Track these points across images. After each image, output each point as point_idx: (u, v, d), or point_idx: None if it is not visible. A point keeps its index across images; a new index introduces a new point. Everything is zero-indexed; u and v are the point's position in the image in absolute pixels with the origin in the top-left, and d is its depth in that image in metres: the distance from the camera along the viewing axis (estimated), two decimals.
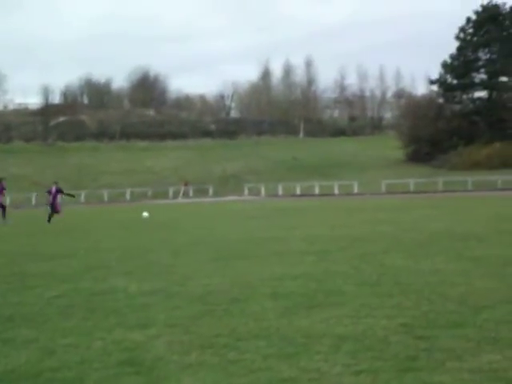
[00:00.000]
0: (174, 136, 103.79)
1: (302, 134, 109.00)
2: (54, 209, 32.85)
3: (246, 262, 13.26)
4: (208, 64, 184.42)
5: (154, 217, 32.95)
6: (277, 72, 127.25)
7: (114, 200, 70.89)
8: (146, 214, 33.25)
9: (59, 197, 33.66)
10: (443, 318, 7.40)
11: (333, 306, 8.35)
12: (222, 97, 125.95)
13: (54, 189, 33.20)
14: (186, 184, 76.29)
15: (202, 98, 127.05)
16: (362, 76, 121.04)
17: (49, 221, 31.71)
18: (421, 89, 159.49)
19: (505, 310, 7.68)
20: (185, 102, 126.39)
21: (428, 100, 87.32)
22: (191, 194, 75.76)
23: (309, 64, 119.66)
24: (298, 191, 68.66)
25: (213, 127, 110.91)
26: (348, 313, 7.90)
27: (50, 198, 33.06)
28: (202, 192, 74.72)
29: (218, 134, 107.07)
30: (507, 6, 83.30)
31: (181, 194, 75.08)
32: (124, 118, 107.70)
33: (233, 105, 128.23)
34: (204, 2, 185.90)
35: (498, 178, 62.17)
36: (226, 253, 15.02)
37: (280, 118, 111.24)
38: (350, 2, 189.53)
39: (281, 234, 19.56)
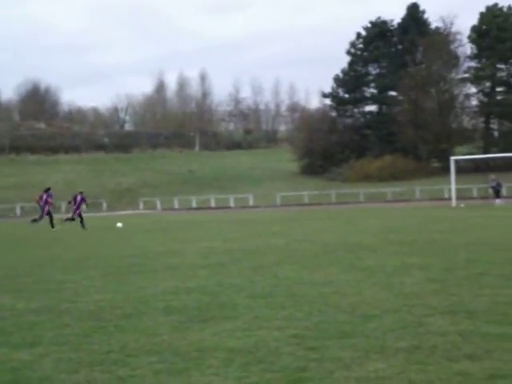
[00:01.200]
0: (67, 149, 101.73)
1: (197, 147, 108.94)
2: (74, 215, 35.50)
3: (140, 276, 13.11)
4: (103, 76, 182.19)
5: (43, 232, 32.17)
6: (172, 85, 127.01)
7: (3, 216, 68.76)
8: (119, 224, 33.73)
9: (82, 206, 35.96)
10: (334, 329, 7.51)
11: (226, 319, 8.35)
12: (115, 110, 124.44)
13: (79, 197, 35.71)
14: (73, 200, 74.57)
15: (95, 110, 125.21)
16: (257, 89, 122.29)
17: (82, 226, 34.02)
18: (314, 102, 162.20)
19: (391, 319, 7.87)
20: (77, 115, 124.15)
21: (321, 113, 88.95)
22: (85, 208, 74.16)
23: (203, 77, 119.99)
24: (194, 204, 68.57)
25: (106, 140, 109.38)
26: (241, 325, 7.91)
27: (74, 205, 35.44)
28: (95, 206, 73.44)
29: (111, 147, 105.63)
30: (395, 23, 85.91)
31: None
32: (13, 131, 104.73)
33: (127, 118, 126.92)
34: (99, 14, 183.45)
35: (388, 190, 63.92)
36: (119, 268, 14.80)
37: (175, 130, 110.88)
38: (245, 16, 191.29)
39: (175, 248, 19.45)
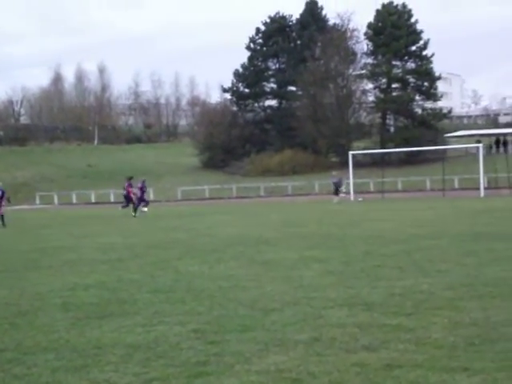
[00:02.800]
0: None
1: (96, 141, 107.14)
2: (142, 201, 36.86)
3: (37, 272, 12.81)
4: (1, 69, 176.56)
5: None
6: (69, 78, 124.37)
7: None
8: None
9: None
10: (234, 322, 7.54)
11: (126, 314, 8.26)
12: (10, 102, 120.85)
13: (140, 184, 37.25)
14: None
15: None
16: (157, 83, 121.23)
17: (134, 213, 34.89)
18: (215, 97, 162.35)
19: (291, 312, 7.96)
20: None
21: (222, 108, 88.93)
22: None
23: (102, 70, 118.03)
24: (93, 199, 67.45)
25: (1, 133, 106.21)
26: (141, 321, 7.84)
27: (139, 192, 36.76)
28: None
29: (6, 140, 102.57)
30: (293, 18, 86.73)
31: None
32: None
33: (22, 111, 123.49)
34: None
35: (289, 184, 64.58)
36: (14, 264, 14.42)
37: (73, 124, 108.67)
38: (146, 10, 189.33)
39: (73, 243, 19.10)
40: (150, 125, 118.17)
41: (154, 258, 14.29)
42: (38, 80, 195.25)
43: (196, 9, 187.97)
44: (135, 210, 35.43)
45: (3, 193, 31.48)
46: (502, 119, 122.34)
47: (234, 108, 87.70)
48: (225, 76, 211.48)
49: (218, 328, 7.30)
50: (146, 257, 14.74)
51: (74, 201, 68.01)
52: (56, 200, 68.86)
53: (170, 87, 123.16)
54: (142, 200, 36.91)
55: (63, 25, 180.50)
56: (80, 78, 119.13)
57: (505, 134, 71.38)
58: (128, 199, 37.67)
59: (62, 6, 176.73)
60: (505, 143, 71.01)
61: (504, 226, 18.80)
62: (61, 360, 6.26)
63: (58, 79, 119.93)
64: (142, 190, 37.36)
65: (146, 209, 36.13)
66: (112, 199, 66.24)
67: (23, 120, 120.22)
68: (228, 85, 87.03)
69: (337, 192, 44.13)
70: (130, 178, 39.03)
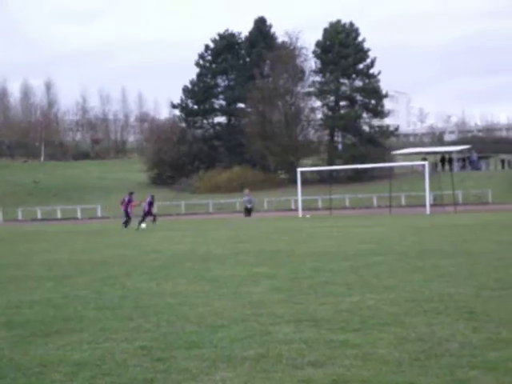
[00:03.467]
0: None
1: (42, 157, 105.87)
2: (150, 215, 37.67)
3: None
4: None
5: None
6: (15, 93, 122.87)
7: None
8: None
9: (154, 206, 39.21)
10: (181, 339, 7.50)
11: (71, 332, 8.15)
12: None
13: (149, 198, 38.25)
14: None
15: None
16: (105, 99, 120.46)
17: (151, 221, 36.84)
18: (164, 113, 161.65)
19: (239, 329, 7.96)
20: None
21: (170, 124, 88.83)
22: None
23: (49, 86, 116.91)
24: (40, 215, 66.59)
25: None
26: (87, 338, 7.75)
27: (146, 206, 37.59)
28: None
29: None
30: (242, 36, 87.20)
31: None
32: None
33: None
34: None
35: (237, 200, 64.66)
36: None
37: (19, 140, 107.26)
38: (94, 27, 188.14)
39: (18, 260, 18.79)
40: (97, 140, 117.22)
41: (100, 275, 14.14)
42: None
43: (145, 26, 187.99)
44: (139, 223, 35.97)
45: None
46: (448, 137, 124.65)
47: (183, 124, 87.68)
48: (174, 93, 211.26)
49: (165, 345, 7.25)
50: (93, 273, 14.59)
51: (20, 217, 67.02)
52: (1, 216, 67.77)
53: (118, 103, 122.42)
54: (148, 214, 37.55)
55: (8, 39, 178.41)
56: (26, 93, 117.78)
57: (450, 152, 72.65)
58: (127, 214, 39.03)
59: (6, 20, 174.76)
60: (450, 161, 72.26)
61: (449, 243, 19.09)
62: (4, 379, 6.14)
63: (3, 94, 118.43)
64: (150, 204, 38.00)
65: (144, 225, 35.91)
66: (59, 215, 65.47)
67: None
68: (177, 101, 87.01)
69: (249, 212, 43.66)
70: (131, 193, 40.39)
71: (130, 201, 39.46)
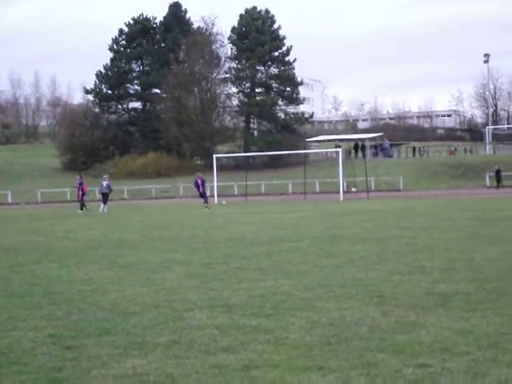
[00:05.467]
0: None
1: None
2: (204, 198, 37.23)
3: None
4: None
5: None
6: None
7: None
8: None
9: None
10: (93, 326, 7.40)
11: None
12: None
13: (199, 180, 37.43)
14: None
15: None
16: (16, 83, 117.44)
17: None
18: (77, 98, 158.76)
19: (152, 315, 7.91)
20: None
21: (84, 109, 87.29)
22: None
23: None
24: None
25: None
26: None
27: (201, 187, 37.18)
28: None
29: None
30: (157, 21, 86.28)
31: None
32: None
33: None
34: None
35: (153, 186, 64.20)
36: None
37: None
38: (6, 8, 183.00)
39: None
40: (8, 125, 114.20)
41: (9, 262, 13.81)
42: None
43: (59, 9, 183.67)
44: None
45: None
46: (361, 125, 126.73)
47: (97, 109, 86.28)
48: (87, 77, 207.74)
49: (75, 333, 7.14)
50: (2, 260, 14.25)
51: None
52: None
53: (29, 87, 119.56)
54: (203, 195, 37.56)
55: None
56: None
57: (363, 140, 73.83)
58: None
59: None
60: (363, 148, 73.42)
61: (361, 229, 19.43)
62: None
63: None
64: (201, 184, 37.56)
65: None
66: None
67: None
68: (90, 86, 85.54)
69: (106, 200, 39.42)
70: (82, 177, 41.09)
71: (81, 184, 39.97)
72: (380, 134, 72.82)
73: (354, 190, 42.93)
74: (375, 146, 77.96)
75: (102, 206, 38.12)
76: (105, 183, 39.10)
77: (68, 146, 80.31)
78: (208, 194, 40.23)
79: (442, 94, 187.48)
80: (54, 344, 6.68)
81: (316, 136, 74.93)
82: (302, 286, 9.69)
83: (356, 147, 74.68)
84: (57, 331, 7.22)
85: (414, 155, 79.05)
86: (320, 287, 9.48)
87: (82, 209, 38.78)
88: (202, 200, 37.68)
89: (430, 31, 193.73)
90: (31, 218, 34.08)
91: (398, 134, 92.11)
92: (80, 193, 40.01)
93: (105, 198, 38.51)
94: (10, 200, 63.83)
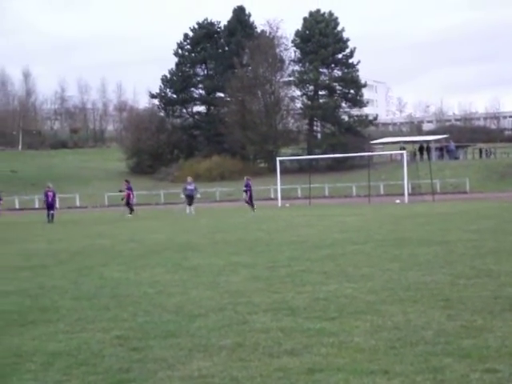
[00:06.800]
0: None
1: (20, 146, 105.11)
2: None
3: None
4: None
5: None
6: None
7: None
8: None
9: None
10: (158, 329, 7.49)
11: (47, 322, 8.12)
12: None
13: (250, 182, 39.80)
14: None
15: None
16: (83, 88, 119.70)
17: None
18: (143, 102, 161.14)
19: (216, 318, 7.96)
20: None
21: (149, 113, 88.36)
22: None
23: (27, 75, 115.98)
24: (17, 205, 66.10)
25: None
26: (63, 328, 7.72)
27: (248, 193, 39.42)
28: None
29: None
30: (222, 25, 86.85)
31: None
32: None
33: None
34: None
35: (217, 189, 64.60)
36: None
37: None
38: (75, 16, 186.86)
39: None
40: (76, 130, 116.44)
41: (78, 265, 14.09)
42: None
43: (126, 16, 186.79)
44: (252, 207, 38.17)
45: None
46: (426, 127, 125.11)
47: (162, 114, 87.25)
48: (153, 82, 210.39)
49: (141, 334, 7.24)
50: (70, 263, 14.53)
51: None
52: None
53: (97, 92, 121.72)
54: (250, 199, 39.11)
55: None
56: (3, 82, 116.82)
57: (428, 141, 72.96)
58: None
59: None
60: (428, 150, 72.53)
61: (426, 232, 19.18)
62: None
63: None
64: (248, 189, 39.40)
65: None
66: (37, 205, 65.03)
67: None
68: (156, 91, 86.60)
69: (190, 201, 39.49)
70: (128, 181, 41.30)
71: (130, 188, 40.10)
72: (446, 135, 71.88)
73: (397, 201, 42.56)
74: (441, 148, 76.89)
75: (188, 208, 38.73)
76: (189, 186, 39.72)
77: (134, 150, 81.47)
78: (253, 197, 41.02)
79: (510, 94, 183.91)
80: (120, 346, 6.79)
81: (380, 138, 74.37)
82: (366, 289, 9.62)
83: (421, 149, 73.80)
84: (123, 333, 7.34)
85: (480, 157, 77.65)
86: (384, 290, 9.40)
87: (131, 212, 38.93)
88: (250, 203, 38.84)
89: (496, 31, 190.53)
90: (98, 221, 34.67)
91: (465, 136, 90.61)
92: (131, 197, 40.23)
93: (190, 200, 39.15)
94: (78, 203, 65.05)
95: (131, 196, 40.00)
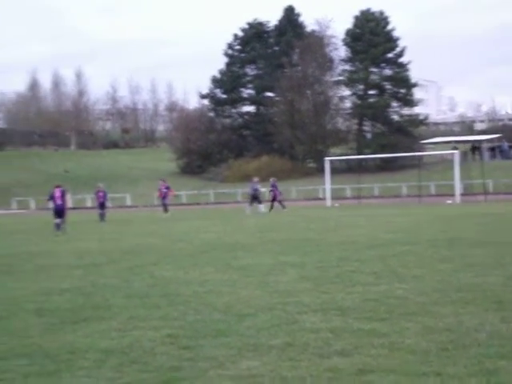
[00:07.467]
0: None
1: (73, 146, 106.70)
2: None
3: (11, 277, 12.74)
4: None
5: None
6: (46, 83, 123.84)
7: None
8: None
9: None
10: (208, 328, 7.54)
11: (100, 319, 8.24)
12: None
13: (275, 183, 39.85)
14: None
15: None
16: (134, 89, 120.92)
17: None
18: (193, 102, 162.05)
19: (266, 317, 7.97)
20: None
21: (199, 113, 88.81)
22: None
23: (79, 75, 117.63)
24: (70, 204, 67.01)
25: None
26: (115, 326, 7.82)
27: (274, 192, 39.71)
28: None
29: None
30: (271, 24, 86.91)
31: None
32: None
33: None
34: None
35: (265, 190, 64.62)
36: None
37: (50, 129, 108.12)
38: (124, 18, 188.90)
39: (49, 248, 18.99)
40: (127, 130, 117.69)
41: (129, 263, 14.25)
42: (14, 85, 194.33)
43: (175, 17, 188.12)
44: (271, 207, 38.48)
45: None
46: (478, 126, 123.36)
47: (212, 114, 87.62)
48: (202, 82, 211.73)
49: (192, 333, 7.29)
50: (122, 262, 14.70)
51: (51, 206, 67.50)
52: (33, 205, 68.41)
53: (147, 93, 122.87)
54: (273, 200, 38.99)
55: (40, 30, 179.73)
56: (57, 83, 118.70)
57: (480, 141, 71.87)
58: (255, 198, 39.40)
59: (39, 12, 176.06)
60: (480, 150, 71.48)
61: (478, 232, 18.93)
62: (33, 365, 6.22)
63: (34, 84, 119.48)
64: (273, 190, 39.33)
65: (264, 209, 37.99)
66: (89, 204, 65.93)
67: (0, 125, 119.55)
68: (206, 91, 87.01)
69: (258, 200, 39.88)
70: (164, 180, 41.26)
71: (168, 187, 40.02)
72: (498, 135, 70.64)
73: (449, 201, 42.24)
74: (493, 148, 75.71)
75: (260, 206, 39.04)
76: (255, 185, 40.05)
77: (184, 150, 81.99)
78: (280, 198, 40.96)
79: None
80: (171, 344, 6.85)
81: (431, 138, 73.50)
82: (417, 290, 9.54)
83: (473, 149, 72.77)
84: (174, 331, 7.40)
85: None
86: (435, 292, 9.31)
87: (166, 211, 38.94)
88: (280, 203, 38.95)
89: None
90: (148, 220, 34.99)
91: None
92: (168, 196, 40.21)
93: (258, 199, 39.75)
94: (128, 203, 65.73)
95: (168, 195, 40.11)
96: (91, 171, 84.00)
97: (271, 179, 41.20)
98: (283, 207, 39.06)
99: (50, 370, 6.05)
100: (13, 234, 27.63)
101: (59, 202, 27.21)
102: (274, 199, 39.81)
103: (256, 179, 41.46)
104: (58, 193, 27.43)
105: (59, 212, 26.95)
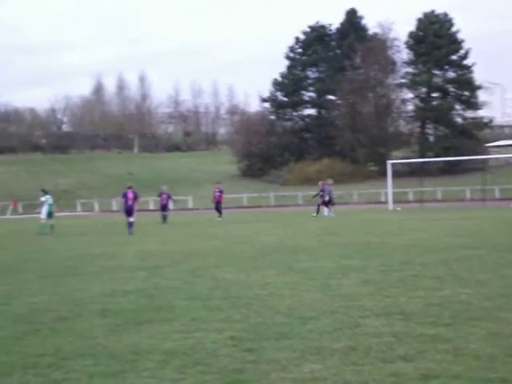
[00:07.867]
0: (1, 150, 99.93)
1: (136, 149, 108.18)
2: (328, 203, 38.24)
3: (76, 278, 12.96)
4: (55, 78, 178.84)
5: None
6: (110, 87, 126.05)
7: None
8: None
9: None
10: (271, 330, 7.55)
11: (163, 321, 8.32)
12: (53, 111, 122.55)
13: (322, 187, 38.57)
14: (15, 201, 73.68)
15: (32, 111, 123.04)
16: (196, 92, 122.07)
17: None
18: (254, 105, 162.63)
19: (328, 321, 7.95)
20: (13, 116, 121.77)
21: (260, 116, 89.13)
22: (20, 210, 73.12)
23: (143, 79, 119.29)
24: (171, 206, 67.95)
25: (43, 141, 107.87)
26: (178, 328, 7.89)
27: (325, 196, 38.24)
28: (31, 208, 72.15)
29: (49, 148, 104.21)
30: (333, 28, 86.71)
31: (9, 210, 72.28)
32: None
33: (65, 119, 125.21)
34: (66, 16, 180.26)
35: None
36: (55, 270, 14.60)
37: (114, 132, 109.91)
38: (187, 24, 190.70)
39: (113, 250, 19.27)
40: (189, 133, 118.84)
41: (191, 266, 14.36)
42: (79, 89, 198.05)
43: (236, 21, 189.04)
44: (317, 211, 38.16)
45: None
46: None
47: (273, 117, 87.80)
48: (264, 85, 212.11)
49: (254, 335, 7.31)
50: (184, 264, 14.82)
51: (114, 208, 68.60)
52: (97, 207, 69.54)
53: (209, 96, 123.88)
54: (325, 203, 38.25)
55: (106, 35, 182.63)
56: (121, 87, 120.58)
57: None
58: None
59: (103, 17, 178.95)
60: None
61: None
62: (98, 365, 6.33)
63: (99, 88, 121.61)
64: (322, 193, 38.50)
65: (329, 213, 37.67)
66: (151, 207, 66.71)
67: (65, 128, 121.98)
68: (267, 94, 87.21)
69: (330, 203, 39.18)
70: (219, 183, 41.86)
71: (221, 191, 39.77)
72: None
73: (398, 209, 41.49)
74: None
75: (327, 210, 38.57)
76: (329, 188, 39.64)
77: (245, 153, 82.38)
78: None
79: None
80: (234, 346, 6.88)
81: (496, 141, 72.34)
82: (482, 295, 9.38)
83: None
84: (237, 334, 7.43)
85: None
86: (501, 297, 9.15)
87: (220, 216, 38.63)
88: (318, 206, 38.66)
89: None
90: (209, 222, 35.21)
91: None
92: (221, 200, 39.85)
93: (329, 202, 38.96)
94: (190, 205, 66.28)
95: (221, 198, 39.88)
96: (154, 174, 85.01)
97: (320, 183, 40.02)
98: (317, 212, 38.44)
99: (114, 370, 6.14)
100: (78, 236, 28.13)
101: (130, 202, 28.62)
102: (324, 202, 38.75)
103: (330, 181, 40.68)
104: (130, 194, 28.71)
105: (129, 211, 28.38)
